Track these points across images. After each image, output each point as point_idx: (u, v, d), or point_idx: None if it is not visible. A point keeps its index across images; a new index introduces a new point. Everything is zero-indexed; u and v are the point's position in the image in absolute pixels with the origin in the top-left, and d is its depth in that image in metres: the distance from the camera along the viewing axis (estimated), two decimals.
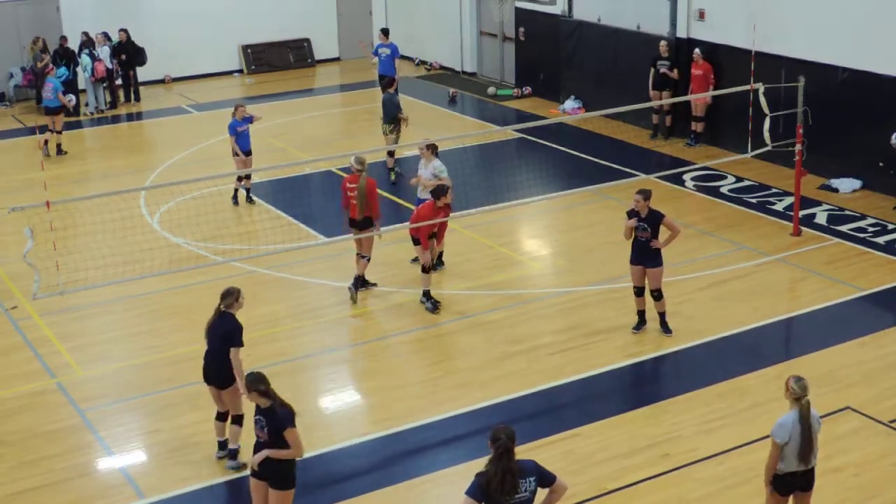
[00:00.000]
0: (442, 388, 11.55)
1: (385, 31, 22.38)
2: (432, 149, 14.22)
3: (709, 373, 11.65)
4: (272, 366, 12.05)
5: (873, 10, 16.99)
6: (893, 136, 16.22)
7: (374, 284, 13.91)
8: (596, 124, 21.10)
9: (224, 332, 9.72)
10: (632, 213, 12.15)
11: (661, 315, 12.52)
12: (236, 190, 17.49)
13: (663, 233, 12.20)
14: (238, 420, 10.06)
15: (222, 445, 10.20)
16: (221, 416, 10.14)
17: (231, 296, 9.79)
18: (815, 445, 8.01)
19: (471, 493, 7.10)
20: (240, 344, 9.75)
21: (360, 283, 13.67)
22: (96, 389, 11.76)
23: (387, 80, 19.51)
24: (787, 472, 8.04)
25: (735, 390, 11.26)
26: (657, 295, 12.36)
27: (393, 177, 18.46)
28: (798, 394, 7.94)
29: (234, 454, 10.13)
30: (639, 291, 12.46)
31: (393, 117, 18.19)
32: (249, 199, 17.57)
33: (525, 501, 7.18)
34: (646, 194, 12.07)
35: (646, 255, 12.18)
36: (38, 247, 11.31)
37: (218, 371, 9.83)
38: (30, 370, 12.24)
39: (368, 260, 13.66)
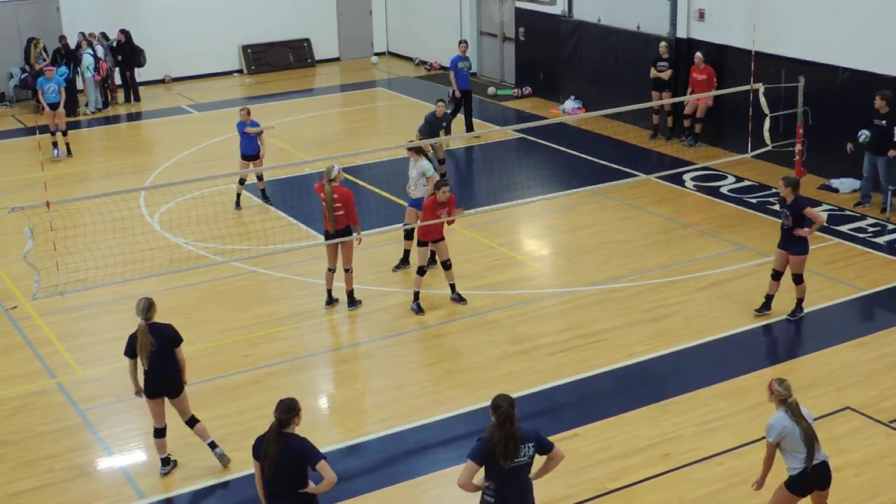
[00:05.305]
0: (442, 388, 11.55)
1: (465, 43, 21.69)
2: (417, 149, 14.20)
3: (709, 373, 11.64)
4: (272, 366, 12.07)
5: (872, 10, 16.98)
6: (861, 136, 16.08)
7: (360, 302, 13.61)
8: (596, 124, 21.10)
9: (166, 337, 9.56)
10: (779, 201, 12.65)
11: (799, 301, 12.78)
12: (238, 194, 17.39)
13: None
14: (195, 420, 9.89)
15: (166, 462, 9.93)
16: (161, 432, 9.86)
17: (152, 308, 9.62)
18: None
19: (472, 456, 7.33)
20: (182, 339, 9.69)
21: (350, 298, 13.53)
22: (96, 389, 11.75)
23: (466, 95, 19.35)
24: (798, 473, 8.02)
25: (735, 390, 11.25)
26: (797, 279, 12.67)
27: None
28: (783, 395, 7.91)
29: (213, 444, 9.95)
30: (775, 275, 12.76)
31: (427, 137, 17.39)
32: (266, 199, 17.50)
33: (524, 466, 7.42)
34: (787, 181, 12.36)
35: (790, 240, 12.49)
36: (38, 247, 11.32)
37: (169, 378, 9.61)
38: (30, 370, 12.23)
39: (350, 272, 13.34)
